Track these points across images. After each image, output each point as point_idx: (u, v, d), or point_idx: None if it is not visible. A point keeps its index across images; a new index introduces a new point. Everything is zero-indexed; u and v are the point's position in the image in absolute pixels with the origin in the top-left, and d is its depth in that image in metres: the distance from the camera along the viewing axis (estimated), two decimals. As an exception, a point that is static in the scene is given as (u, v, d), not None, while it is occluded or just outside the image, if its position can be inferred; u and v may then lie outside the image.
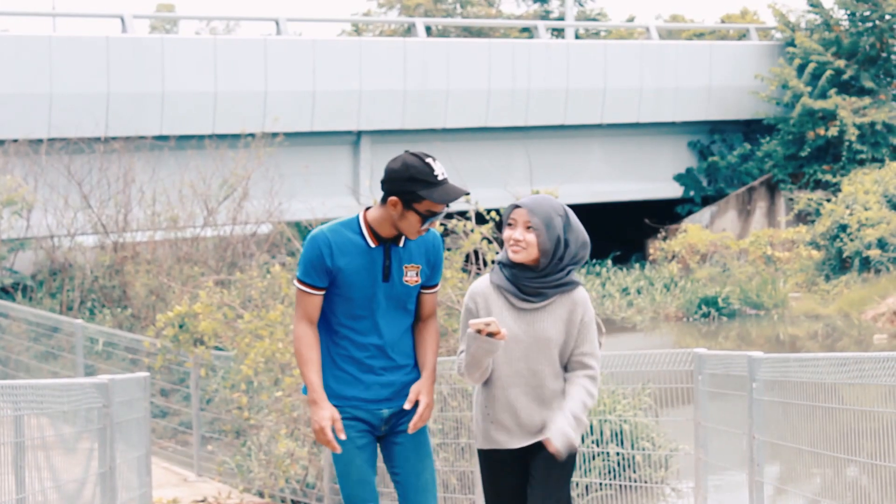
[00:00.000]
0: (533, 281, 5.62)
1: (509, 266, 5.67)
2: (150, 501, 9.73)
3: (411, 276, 5.74)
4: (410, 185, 5.53)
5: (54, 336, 16.81)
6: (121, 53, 24.64)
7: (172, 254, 21.42)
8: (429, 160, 5.57)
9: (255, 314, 12.66)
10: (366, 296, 5.69)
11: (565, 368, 5.71)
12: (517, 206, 5.65)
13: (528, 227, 5.60)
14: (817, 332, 25.35)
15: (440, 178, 5.56)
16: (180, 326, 13.44)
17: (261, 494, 12.34)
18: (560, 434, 5.50)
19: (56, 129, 23.44)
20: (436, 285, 5.90)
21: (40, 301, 20.89)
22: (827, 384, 6.33)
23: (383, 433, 5.84)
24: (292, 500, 12.07)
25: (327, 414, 5.62)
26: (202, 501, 12.28)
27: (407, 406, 5.76)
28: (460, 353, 5.72)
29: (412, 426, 5.73)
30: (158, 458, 13.93)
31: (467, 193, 5.58)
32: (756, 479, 6.97)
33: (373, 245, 5.68)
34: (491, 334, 5.47)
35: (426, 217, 5.59)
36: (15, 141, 22.27)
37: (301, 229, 24.20)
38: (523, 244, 5.59)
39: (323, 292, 5.69)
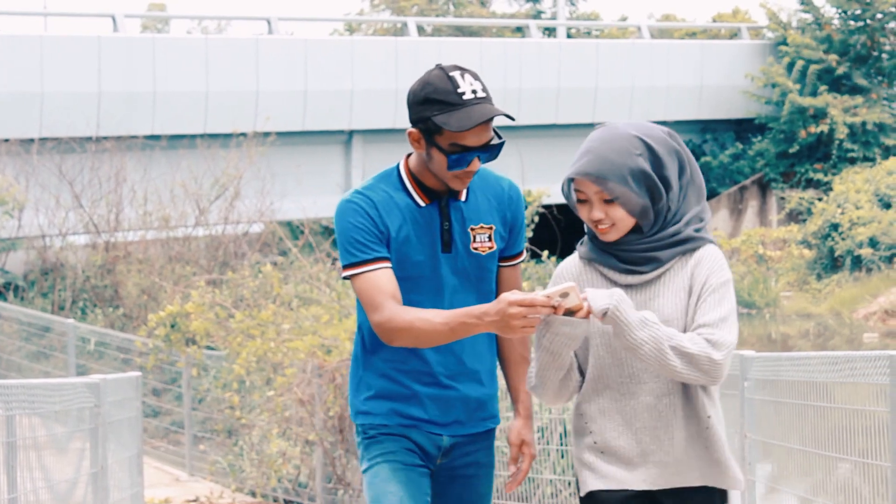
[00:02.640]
0: (639, 243, 3.86)
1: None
2: (142, 501, 9.72)
3: (482, 242, 4.15)
4: (426, 108, 4.00)
5: (46, 336, 16.79)
6: (112, 53, 24.61)
7: (164, 253, 21.40)
8: (455, 73, 4.00)
9: (246, 314, 12.65)
10: (424, 275, 4.10)
11: None
12: (575, 180, 3.85)
13: (606, 201, 3.82)
14: (809, 330, 25.38)
15: (466, 97, 3.97)
16: (172, 326, 13.43)
17: (253, 494, 12.34)
18: (601, 297, 3.74)
19: (47, 129, 23.41)
20: (518, 255, 4.27)
21: (32, 301, 20.86)
22: (818, 383, 6.33)
23: (436, 467, 4.26)
24: (284, 500, 12.06)
25: (505, 298, 3.73)
26: (194, 501, 12.27)
27: (512, 468, 4.23)
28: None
29: (511, 485, 4.24)
30: (150, 457, 13.93)
31: (509, 116, 4.01)
32: (748, 477, 6.98)
33: (423, 203, 4.11)
34: (570, 312, 3.70)
35: (453, 155, 3.99)
36: (6, 140, 22.24)
37: (293, 229, 24.19)
38: (607, 222, 3.83)
39: (389, 264, 4.06)
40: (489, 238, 4.17)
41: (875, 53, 32.30)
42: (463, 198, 4.15)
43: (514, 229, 4.23)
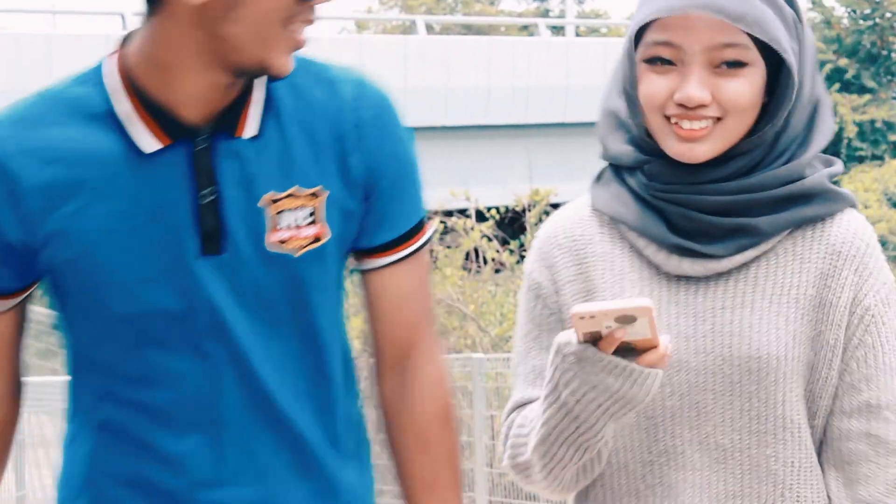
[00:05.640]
0: (724, 189, 1.92)
1: (647, 160, 1.97)
2: (150, 499, 9.72)
3: (293, 227, 1.86)
4: None
5: (55, 333, 16.82)
6: (121, 51, 24.65)
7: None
8: None
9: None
10: (159, 308, 1.91)
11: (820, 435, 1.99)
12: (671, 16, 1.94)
13: (730, 65, 1.90)
14: (817, 329, 25.36)
15: None
16: (180, 324, 13.43)
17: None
18: None
19: (56, 127, 23.45)
20: (412, 237, 1.99)
21: (40, 298, 20.90)
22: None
23: None
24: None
25: None
26: (202, 499, 12.27)
27: None
28: (514, 409, 2.02)
29: None
30: (158, 455, 13.93)
31: None
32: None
33: (155, 146, 1.86)
34: (631, 349, 1.77)
35: None
36: (15, 138, 22.29)
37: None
38: (713, 109, 1.89)
39: (7, 304, 2.08)
40: (311, 217, 1.87)
41: (884, 52, 32.26)
42: (249, 131, 1.86)
43: (381, 186, 1.95)
